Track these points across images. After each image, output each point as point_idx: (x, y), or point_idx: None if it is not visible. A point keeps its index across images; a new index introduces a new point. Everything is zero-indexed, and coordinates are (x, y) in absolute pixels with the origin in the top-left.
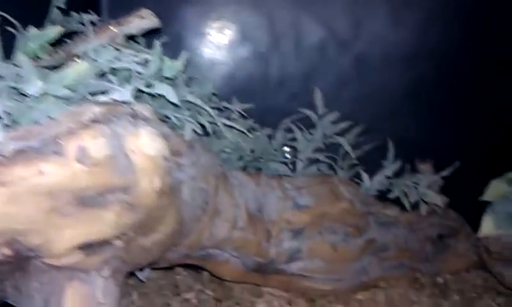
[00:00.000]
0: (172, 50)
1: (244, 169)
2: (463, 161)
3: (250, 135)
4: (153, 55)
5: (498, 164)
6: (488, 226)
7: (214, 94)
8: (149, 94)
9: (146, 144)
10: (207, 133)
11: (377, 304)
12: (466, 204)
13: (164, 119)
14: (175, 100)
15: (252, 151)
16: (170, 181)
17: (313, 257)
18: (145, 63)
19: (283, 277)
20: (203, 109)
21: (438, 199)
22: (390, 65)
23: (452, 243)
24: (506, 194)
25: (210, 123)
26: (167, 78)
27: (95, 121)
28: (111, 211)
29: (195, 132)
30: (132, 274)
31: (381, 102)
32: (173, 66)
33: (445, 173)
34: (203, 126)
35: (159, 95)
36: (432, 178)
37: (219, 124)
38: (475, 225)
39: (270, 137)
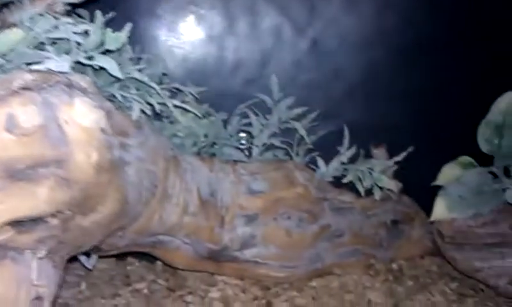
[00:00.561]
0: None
1: (198, 154)
2: (416, 146)
3: (204, 119)
4: (95, 26)
5: (453, 149)
6: (440, 210)
7: (164, 74)
8: (93, 68)
9: (80, 115)
10: (159, 118)
11: (331, 291)
12: (421, 189)
13: (111, 99)
14: (117, 73)
15: (206, 136)
16: (110, 157)
17: (268, 243)
18: (86, 34)
19: (237, 264)
20: (152, 87)
21: (392, 185)
22: (345, 50)
23: (406, 229)
24: (459, 178)
25: (160, 104)
26: (110, 51)
27: (25, 88)
28: (44, 186)
29: (144, 113)
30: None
31: (337, 87)
32: (116, 38)
33: (398, 158)
34: (152, 107)
35: (101, 68)
36: (386, 163)
37: (169, 105)
38: (430, 211)
39: (225, 122)
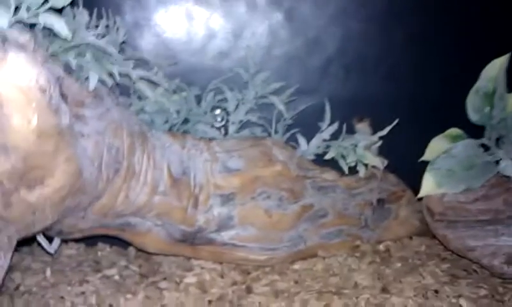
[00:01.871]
0: (91, 8)
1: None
2: (401, 119)
3: (176, 95)
4: None
5: (439, 121)
6: (429, 185)
7: (123, 42)
8: (48, 35)
9: (15, 72)
10: (127, 93)
11: (315, 274)
12: (407, 166)
13: (69, 70)
14: (64, 32)
15: (178, 112)
16: (55, 122)
17: (246, 224)
18: None
19: (214, 247)
20: (109, 54)
21: (377, 161)
22: (322, 20)
23: (393, 208)
24: (447, 150)
25: (123, 75)
26: (58, 10)
27: None
28: None
29: (104, 84)
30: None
31: (315, 59)
32: None
33: (383, 132)
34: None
35: (47, 29)
36: (371, 138)
37: (132, 76)
38: (417, 189)
39: (198, 98)
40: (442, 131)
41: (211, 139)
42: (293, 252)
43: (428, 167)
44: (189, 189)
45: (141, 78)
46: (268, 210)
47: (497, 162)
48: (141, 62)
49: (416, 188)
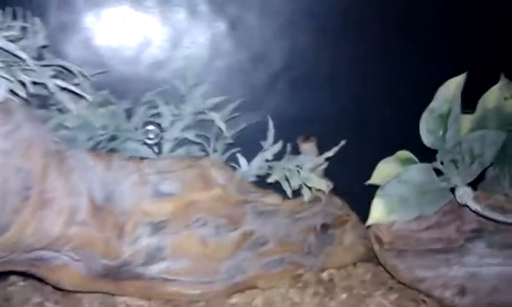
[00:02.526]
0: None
1: (93, 150)
2: (348, 140)
3: (102, 108)
4: None
5: (389, 143)
6: (378, 212)
7: (44, 46)
8: None
9: None
10: (45, 105)
11: None
12: (352, 189)
13: None
14: None
15: (104, 128)
16: None
17: (179, 256)
18: None
19: (142, 282)
20: (21, 59)
21: (323, 184)
22: (269, 32)
23: (337, 234)
24: (398, 175)
25: (38, 83)
26: None
27: None
28: None
29: (15, 94)
30: None
31: (259, 73)
32: None
33: (329, 153)
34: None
35: None
36: (316, 159)
37: (49, 85)
38: (363, 213)
39: (129, 112)
40: (391, 153)
41: (142, 159)
42: (231, 285)
43: (378, 193)
44: (113, 217)
45: (63, 88)
46: (204, 238)
47: (452, 189)
48: (64, 71)
49: (361, 212)
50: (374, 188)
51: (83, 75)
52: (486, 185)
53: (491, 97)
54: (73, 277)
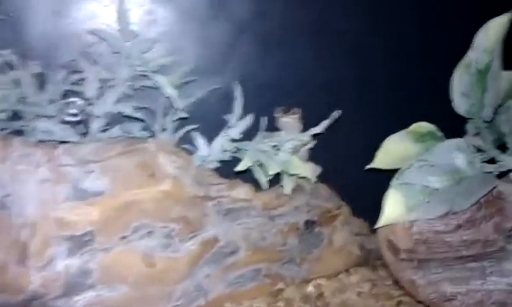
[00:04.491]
0: None
1: None
2: (344, 111)
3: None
4: None
5: (396, 115)
6: (395, 209)
7: None
8: None
9: None
10: None
11: None
12: (345, 174)
13: None
14: None
15: (3, 101)
16: None
17: (114, 281)
18: None
19: None
20: None
21: (308, 170)
22: None
23: (325, 232)
24: (420, 157)
25: None
26: None
27: None
28: None
29: None
30: None
31: (222, 26)
32: None
33: (317, 129)
34: None
35: None
36: (300, 137)
37: None
38: (357, 205)
39: (41, 78)
40: (398, 127)
41: (57, 144)
42: None
43: (393, 182)
44: (10, 232)
45: None
46: (149, 254)
47: (500, 174)
48: None
49: (354, 203)
50: (374, 174)
51: None
52: None
53: None
54: None
